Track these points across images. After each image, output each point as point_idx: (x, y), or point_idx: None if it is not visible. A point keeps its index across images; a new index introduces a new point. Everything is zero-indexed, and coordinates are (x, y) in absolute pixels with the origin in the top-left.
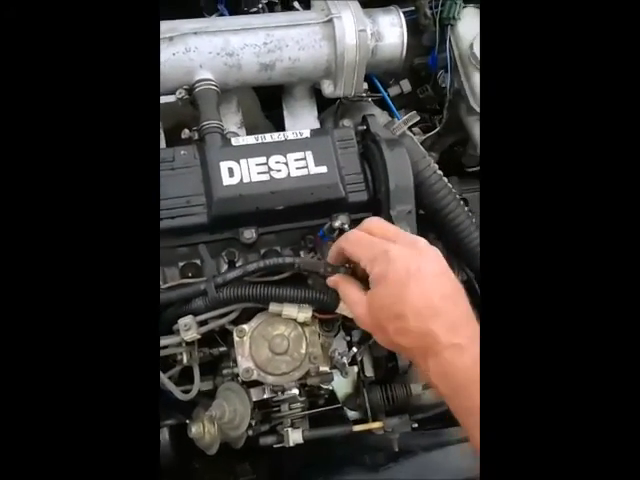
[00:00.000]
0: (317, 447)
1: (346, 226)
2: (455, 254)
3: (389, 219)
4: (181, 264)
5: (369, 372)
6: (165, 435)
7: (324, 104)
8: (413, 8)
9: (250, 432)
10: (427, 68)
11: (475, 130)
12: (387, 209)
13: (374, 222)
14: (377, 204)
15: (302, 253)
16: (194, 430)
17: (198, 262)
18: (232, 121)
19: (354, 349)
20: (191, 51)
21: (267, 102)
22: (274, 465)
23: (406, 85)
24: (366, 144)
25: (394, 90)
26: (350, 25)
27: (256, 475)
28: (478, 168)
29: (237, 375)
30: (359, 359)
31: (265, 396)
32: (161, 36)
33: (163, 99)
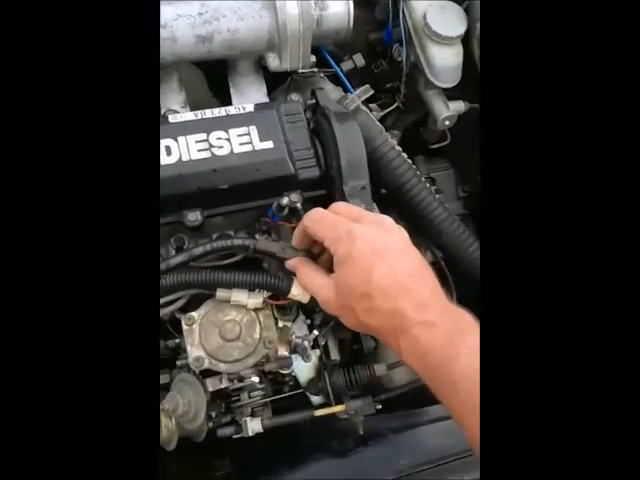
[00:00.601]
0: (284, 436)
1: (298, 204)
2: (419, 232)
3: (342, 195)
4: None
5: (334, 355)
6: None
7: (276, 82)
8: None
9: (210, 424)
10: (382, 43)
11: (435, 104)
12: (340, 185)
13: (340, 204)
14: (330, 180)
15: (257, 236)
16: None
17: None
18: (174, 100)
19: (315, 332)
20: None
21: (217, 82)
22: (243, 458)
23: (359, 59)
24: (316, 119)
25: (347, 65)
26: None
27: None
28: (442, 144)
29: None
30: (322, 343)
31: (222, 386)
32: None
33: None
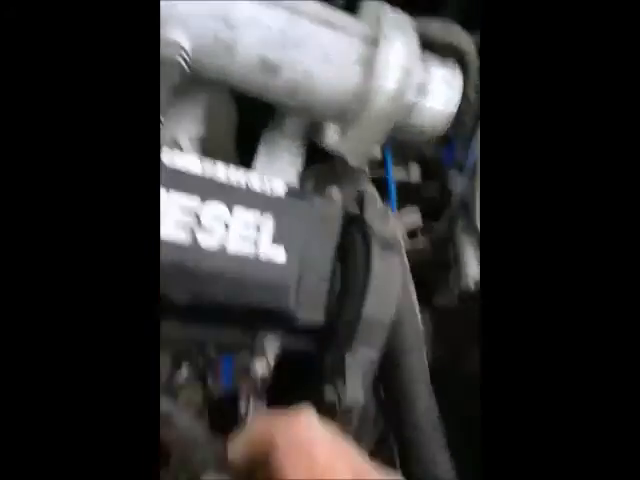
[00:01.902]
0: None
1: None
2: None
3: (341, 362)
4: None
5: None
6: None
7: (309, 158)
8: None
9: None
10: (437, 162)
11: (467, 254)
12: (341, 346)
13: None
14: (329, 335)
15: None
16: None
17: None
18: (187, 130)
19: None
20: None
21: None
22: None
23: (415, 174)
24: (350, 235)
25: (399, 174)
26: (399, 57)
27: None
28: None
29: None
30: None
31: None
32: None
33: None
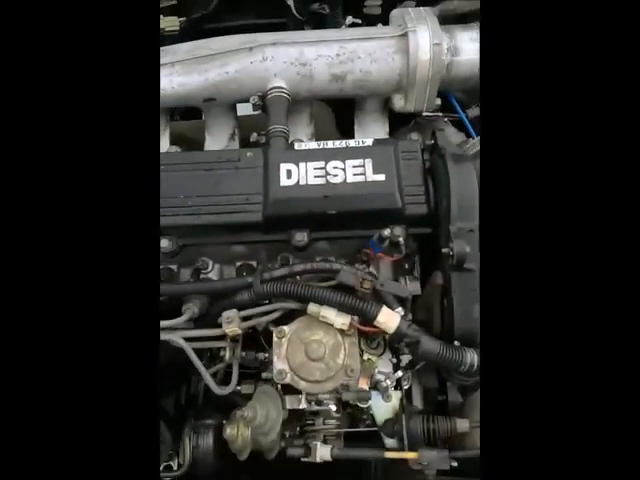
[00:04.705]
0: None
1: (400, 239)
2: None
3: (447, 236)
4: (238, 264)
5: (417, 402)
6: (209, 440)
7: (401, 123)
8: None
9: (283, 443)
10: None
11: None
12: (447, 224)
13: None
14: (437, 220)
15: (357, 265)
16: (228, 431)
17: (254, 263)
18: (303, 132)
19: (399, 373)
20: (267, 60)
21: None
22: None
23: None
24: (432, 159)
25: (473, 112)
26: (425, 39)
27: None
28: None
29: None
30: (406, 386)
31: (300, 406)
32: (241, 46)
33: (242, 110)
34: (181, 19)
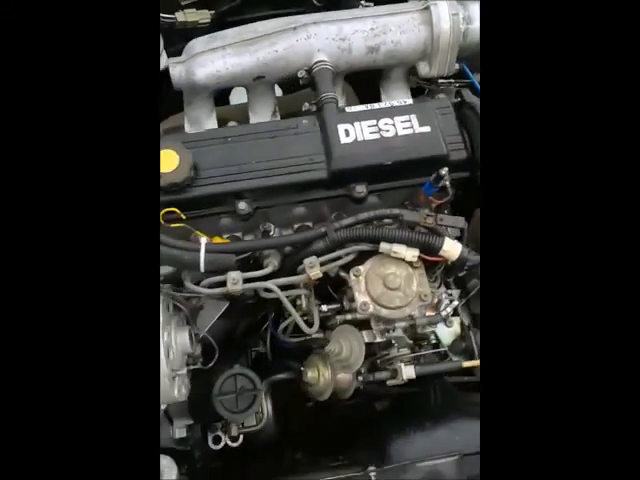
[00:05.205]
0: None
1: (447, 182)
2: None
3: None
4: (296, 226)
5: None
6: (269, 407)
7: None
8: None
9: (360, 378)
10: None
11: None
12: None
13: None
14: (475, 164)
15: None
16: (310, 375)
17: (310, 224)
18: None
19: (456, 302)
20: (311, 37)
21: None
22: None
23: None
24: (462, 112)
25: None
26: (445, 10)
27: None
28: None
29: (350, 320)
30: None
31: (377, 340)
32: (286, 27)
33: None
34: (211, 12)
